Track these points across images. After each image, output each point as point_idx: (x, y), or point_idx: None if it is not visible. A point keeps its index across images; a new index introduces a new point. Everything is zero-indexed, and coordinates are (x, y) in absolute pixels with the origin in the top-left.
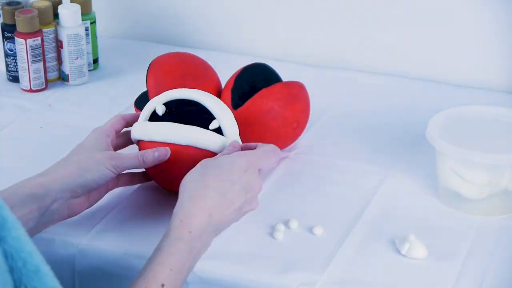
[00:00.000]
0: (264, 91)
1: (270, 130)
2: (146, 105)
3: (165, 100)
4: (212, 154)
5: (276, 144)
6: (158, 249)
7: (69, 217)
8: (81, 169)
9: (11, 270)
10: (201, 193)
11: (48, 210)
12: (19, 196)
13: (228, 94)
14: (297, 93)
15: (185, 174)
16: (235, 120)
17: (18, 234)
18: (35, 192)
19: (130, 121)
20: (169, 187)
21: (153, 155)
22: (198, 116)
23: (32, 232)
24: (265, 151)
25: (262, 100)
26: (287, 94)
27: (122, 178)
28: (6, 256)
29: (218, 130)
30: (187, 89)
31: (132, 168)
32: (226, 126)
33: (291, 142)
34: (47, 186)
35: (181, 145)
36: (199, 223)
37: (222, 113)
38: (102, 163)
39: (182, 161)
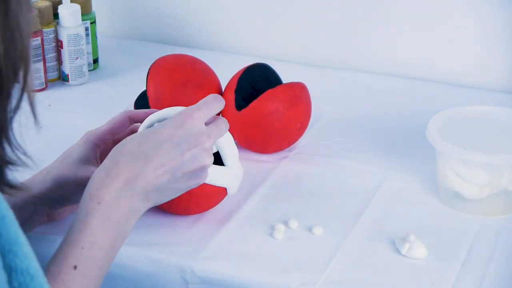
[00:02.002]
0: (268, 92)
1: (274, 131)
2: (144, 121)
3: (161, 118)
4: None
5: (280, 145)
6: (68, 229)
7: (47, 222)
8: (60, 188)
9: (20, 285)
10: (116, 161)
11: (28, 220)
12: None
13: (231, 95)
14: (300, 94)
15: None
16: (230, 135)
17: (28, 250)
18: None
19: (137, 119)
20: (167, 209)
21: None
22: None
23: None
24: (205, 101)
25: (267, 102)
26: (290, 95)
27: None
28: (15, 270)
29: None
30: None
31: None
32: (225, 150)
33: (294, 142)
34: (26, 200)
35: None
36: (109, 192)
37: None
38: (82, 183)
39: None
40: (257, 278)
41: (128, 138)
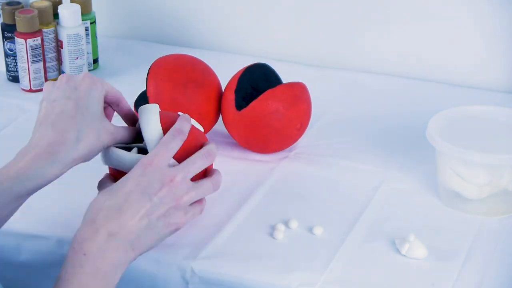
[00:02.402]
0: (268, 92)
1: (274, 131)
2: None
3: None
4: None
5: (280, 145)
6: (56, 281)
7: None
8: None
9: None
10: (93, 219)
11: (25, 196)
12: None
13: (231, 96)
14: (300, 94)
15: None
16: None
17: None
18: (7, 185)
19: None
20: None
21: None
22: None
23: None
24: (162, 142)
25: (267, 102)
26: (291, 95)
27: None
28: None
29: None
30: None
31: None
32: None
33: (294, 142)
34: (19, 176)
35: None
36: (94, 243)
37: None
38: (100, 137)
39: None
40: (257, 278)
41: (97, 196)
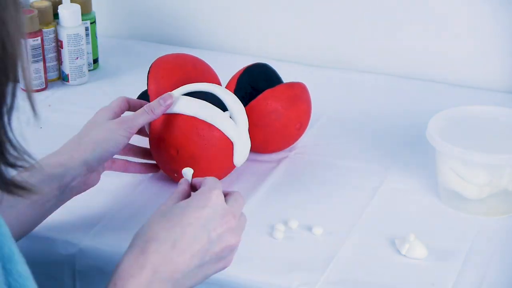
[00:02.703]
0: (267, 92)
1: (274, 131)
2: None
3: (183, 92)
4: (224, 137)
5: (279, 145)
6: None
7: (84, 191)
8: (95, 143)
9: None
10: (142, 248)
11: (68, 187)
12: (39, 177)
13: None
14: (300, 94)
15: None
16: (246, 114)
17: (23, 269)
18: (55, 172)
19: (133, 106)
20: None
21: (158, 103)
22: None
23: (51, 209)
24: (213, 179)
25: (266, 101)
26: (290, 95)
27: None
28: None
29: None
30: (203, 83)
31: (144, 124)
32: (238, 118)
33: (293, 142)
34: (66, 164)
35: (201, 120)
36: (137, 283)
37: (235, 105)
38: (115, 130)
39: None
40: (257, 278)
41: (153, 219)
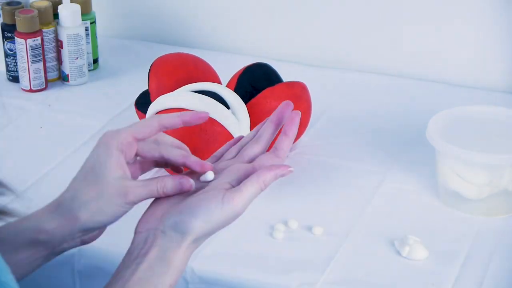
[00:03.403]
0: (267, 91)
1: None
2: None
3: (197, 89)
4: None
5: None
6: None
7: (82, 245)
8: (89, 212)
9: None
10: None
11: (57, 248)
12: (24, 239)
13: None
14: (300, 94)
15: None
16: (247, 114)
17: (7, 279)
18: (40, 238)
19: (169, 126)
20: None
21: (173, 182)
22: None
23: (43, 263)
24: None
25: (265, 100)
26: (290, 94)
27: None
28: None
29: None
30: (206, 82)
31: (149, 198)
32: (240, 116)
33: (294, 142)
34: (53, 234)
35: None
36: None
37: (238, 105)
38: (114, 202)
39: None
40: (257, 278)
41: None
